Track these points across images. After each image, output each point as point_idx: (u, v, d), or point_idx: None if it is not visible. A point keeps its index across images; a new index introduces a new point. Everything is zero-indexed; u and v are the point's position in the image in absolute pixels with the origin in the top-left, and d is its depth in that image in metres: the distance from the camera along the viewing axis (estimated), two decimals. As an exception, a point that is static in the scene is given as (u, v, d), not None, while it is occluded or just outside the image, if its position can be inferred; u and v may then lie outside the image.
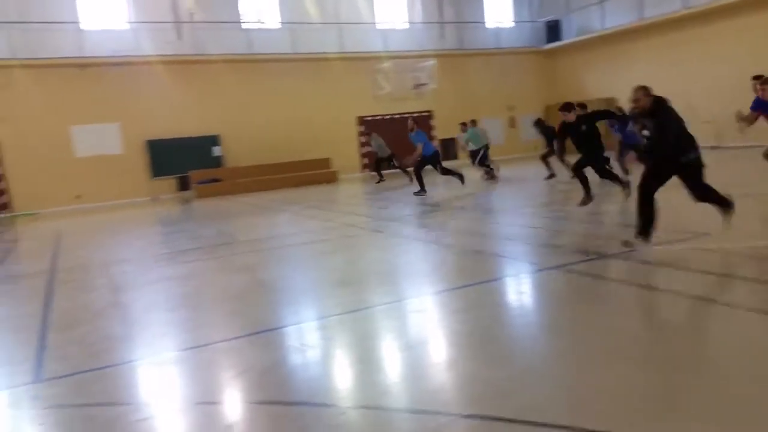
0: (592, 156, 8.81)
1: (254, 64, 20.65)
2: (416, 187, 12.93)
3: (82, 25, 18.66)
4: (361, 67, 21.48)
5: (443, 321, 4.41)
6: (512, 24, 25.37)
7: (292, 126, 21.09)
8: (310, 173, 20.01)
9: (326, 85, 21.56)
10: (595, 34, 22.76)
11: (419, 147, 12.83)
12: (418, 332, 4.23)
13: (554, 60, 25.52)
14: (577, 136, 8.74)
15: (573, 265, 5.49)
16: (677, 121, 5.47)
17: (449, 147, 22.38)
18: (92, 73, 18.64)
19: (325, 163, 20.82)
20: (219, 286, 6.16)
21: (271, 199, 15.78)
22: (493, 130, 22.15)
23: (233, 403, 3.36)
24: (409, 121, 13.58)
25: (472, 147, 15.38)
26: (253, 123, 20.61)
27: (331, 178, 20.23)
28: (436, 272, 6.07)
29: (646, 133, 5.59)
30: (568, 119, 8.81)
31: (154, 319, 5.12)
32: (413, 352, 3.78)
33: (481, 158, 15.28)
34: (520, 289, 5.18)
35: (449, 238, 7.76)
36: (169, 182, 19.91)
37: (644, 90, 5.60)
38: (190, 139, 19.86)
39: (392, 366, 3.68)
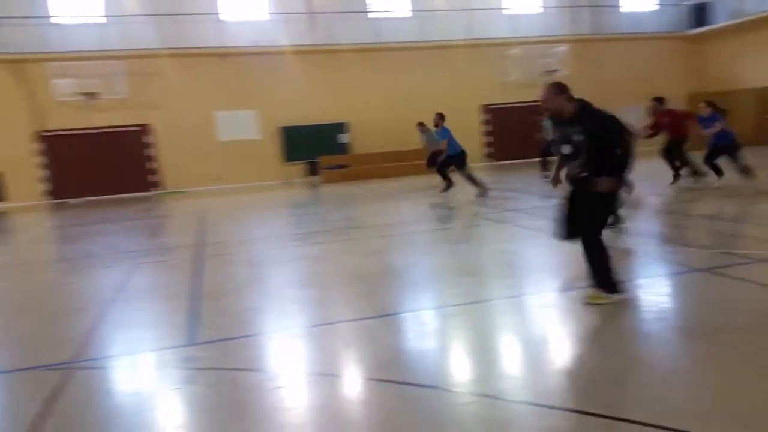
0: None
1: (381, 53, 20.99)
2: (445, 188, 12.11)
3: (221, 16, 19.95)
4: (487, 53, 21.12)
5: (576, 318, 4.24)
6: (655, 7, 23.64)
7: (415, 114, 21.13)
8: (433, 162, 20.07)
9: (451, 73, 21.41)
10: (751, 17, 20.61)
11: (444, 144, 11.98)
12: (549, 328, 4.13)
13: (701, 46, 23.48)
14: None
15: (720, 268, 5.08)
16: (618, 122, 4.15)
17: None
18: (232, 62, 19.90)
19: (448, 151, 20.74)
20: (347, 268, 6.39)
21: (394, 186, 16.04)
22: (632, 120, 20.89)
23: (361, 379, 3.49)
24: (435, 116, 12.28)
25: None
26: (379, 111, 20.99)
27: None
28: (565, 268, 5.85)
29: (566, 150, 4.23)
30: None
31: (288, 296, 5.43)
32: (543, 348, 3.71)
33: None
34: (660, 291, 4.87)
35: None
36: (298, 167, 20.87)
37: (557, 88, 4.17)
38: (319, 126, 20.66)
39: (524, 360, 3.64)
